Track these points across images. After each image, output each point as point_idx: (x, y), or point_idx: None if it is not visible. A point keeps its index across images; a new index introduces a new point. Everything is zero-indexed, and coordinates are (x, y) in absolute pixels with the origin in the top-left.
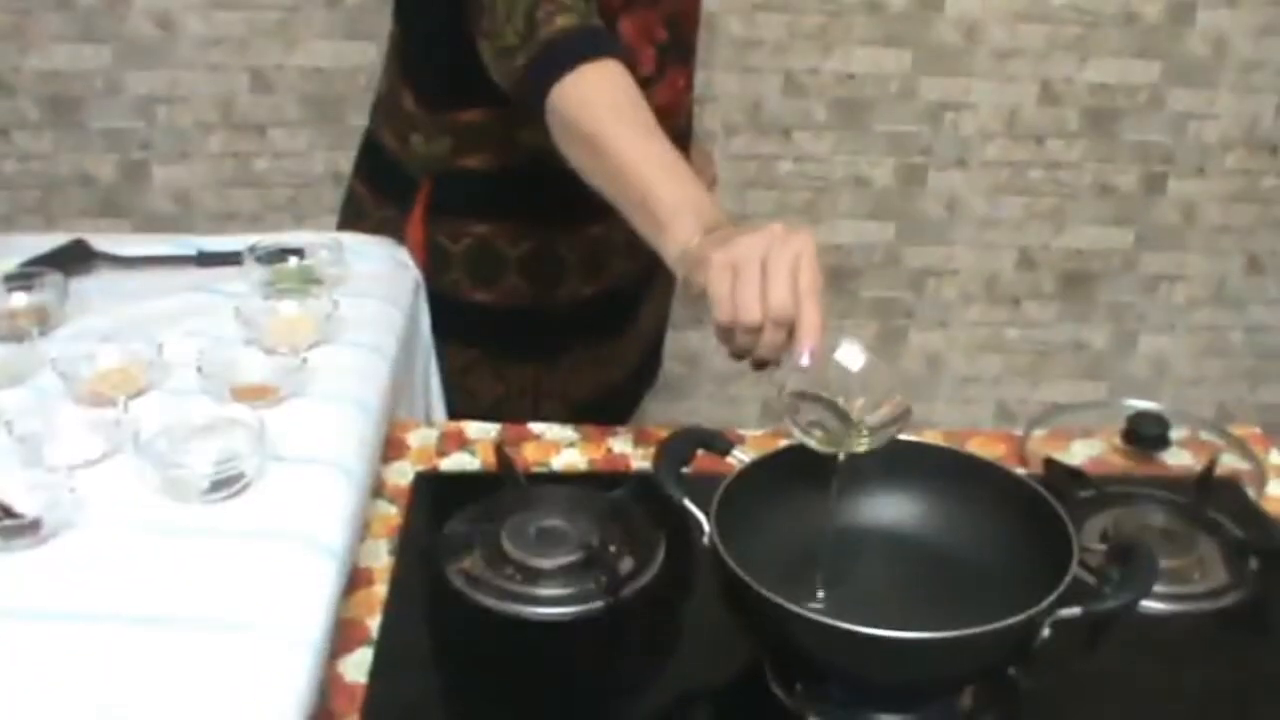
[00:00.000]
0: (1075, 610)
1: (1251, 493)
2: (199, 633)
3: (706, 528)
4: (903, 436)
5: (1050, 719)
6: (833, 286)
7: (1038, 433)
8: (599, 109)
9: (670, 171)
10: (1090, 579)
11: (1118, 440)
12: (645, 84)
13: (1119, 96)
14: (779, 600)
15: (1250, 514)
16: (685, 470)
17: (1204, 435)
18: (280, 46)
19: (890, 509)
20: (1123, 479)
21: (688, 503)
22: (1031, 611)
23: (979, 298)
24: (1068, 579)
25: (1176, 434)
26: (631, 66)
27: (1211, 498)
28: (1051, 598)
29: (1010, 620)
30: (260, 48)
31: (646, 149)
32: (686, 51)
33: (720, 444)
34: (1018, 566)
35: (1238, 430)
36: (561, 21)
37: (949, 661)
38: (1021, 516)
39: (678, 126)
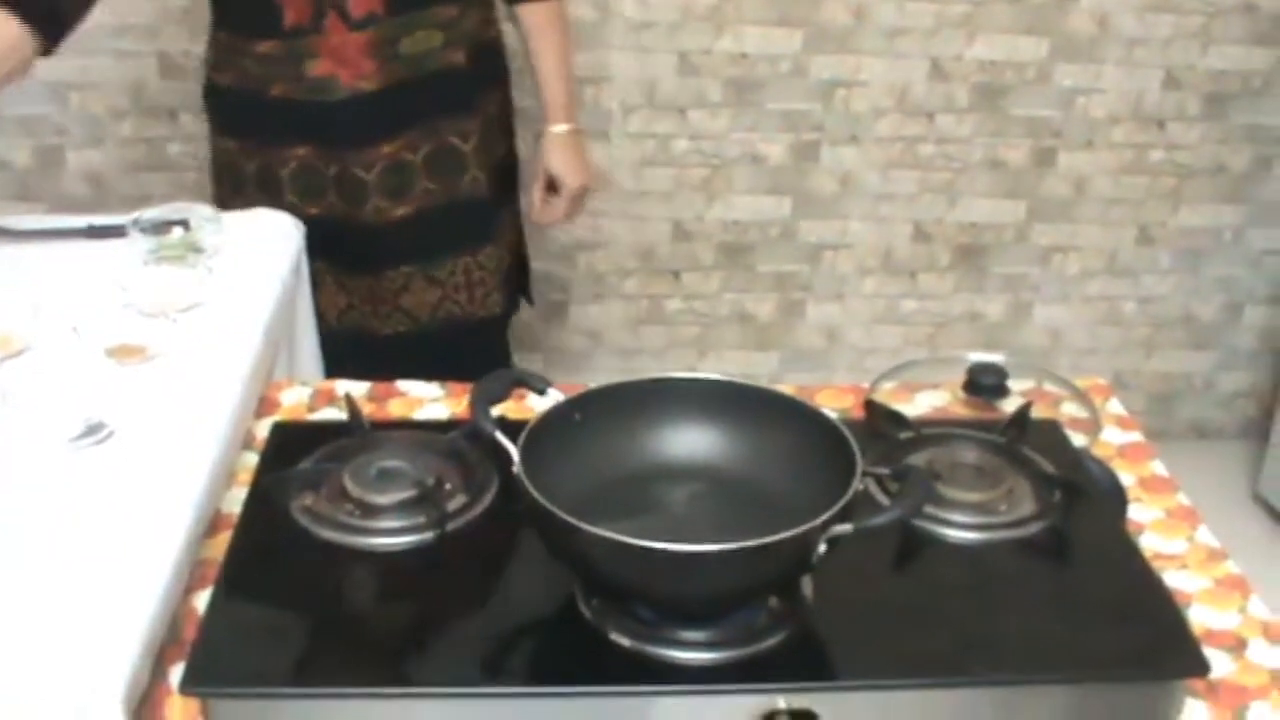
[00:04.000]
0: (847, 526)
1: (1086, 438)
2: (59, 568)
3: (515, 456)
4: (710, 376)
5: (842, 635)
6: (731, 261)
7: (886, 385)
8: None
9: None
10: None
11: (960, 392)
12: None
13: (1007, 72)
14: (572, 520)
15: (1063, 452)
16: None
17: (1047, 385)
18: (187, 33)
19: (697, 443)
20: (943, 421)
21: (499, 435)
22: (805, 527)
23: (875, 271)
24: (843, 500)
25: (1022, 385)
26: None
27: (1026, 438)
28: (825, 516)
29: (783, 535)
30: (171, 34)
31: None
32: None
33: (537, 383)
34: (810, 493)
35: (1082, 382)
36: None
37: (732, 574)
38: (817, 448)
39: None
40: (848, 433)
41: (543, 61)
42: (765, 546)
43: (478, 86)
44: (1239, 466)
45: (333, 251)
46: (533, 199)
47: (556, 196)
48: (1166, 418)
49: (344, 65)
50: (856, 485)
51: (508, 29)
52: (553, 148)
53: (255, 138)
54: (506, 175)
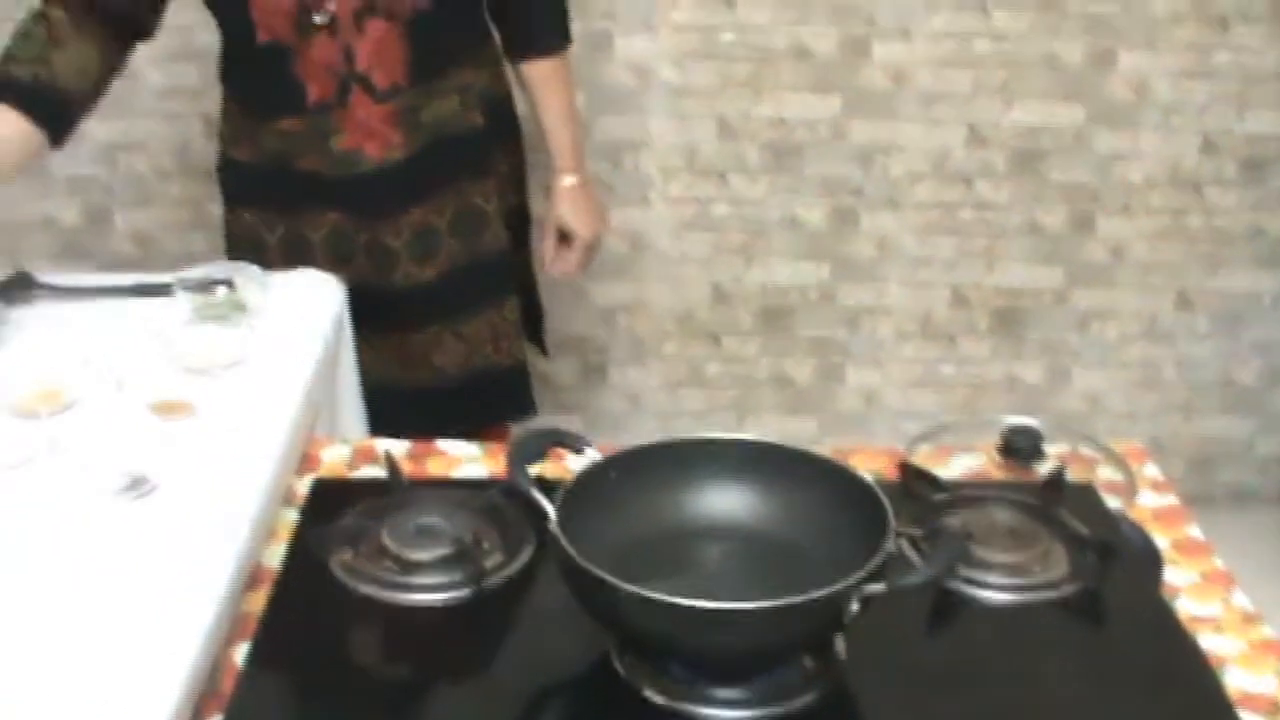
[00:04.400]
0: (880, 586)
1: (1122, 502)
2: (103, 617)
3: (552, 515)
4: (746, 437)
5: (875, 696)
6: (769, 325)
7: (921, 448)
8: None
9: None
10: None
11: (995, 455)
12: (326, 109)
13: (1045, 138)
14: (607, 577)
15: (1098, 515)
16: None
17: (1083, 449)
18: None
19: (731, 502)
20: (979, 484)
21: (534, 492)
22: (838, 586)
23: (913, 335)
24: (876, 560)
25: (1058, 449)
26: None
27: (1061, 500)
28: (858, 575)
29: (816, 594)
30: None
31: None
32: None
33: (573, 442)
34: (843, 552)
35: (1118, 445)
36: None
37: (765, 632)
38: (849, 506)
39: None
40: (881, 493)
41: (548, 115)
42: (798, 605)
43: (494, 144)
44: (1278, 531)
45: (362, 314)
46: (545, 251)
47: (568, 249)
48: (1205, 482)
49: (370, 138)
50: (889, 546)
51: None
52: (562, 200)
53: (278, 207)
54: (521, 226)
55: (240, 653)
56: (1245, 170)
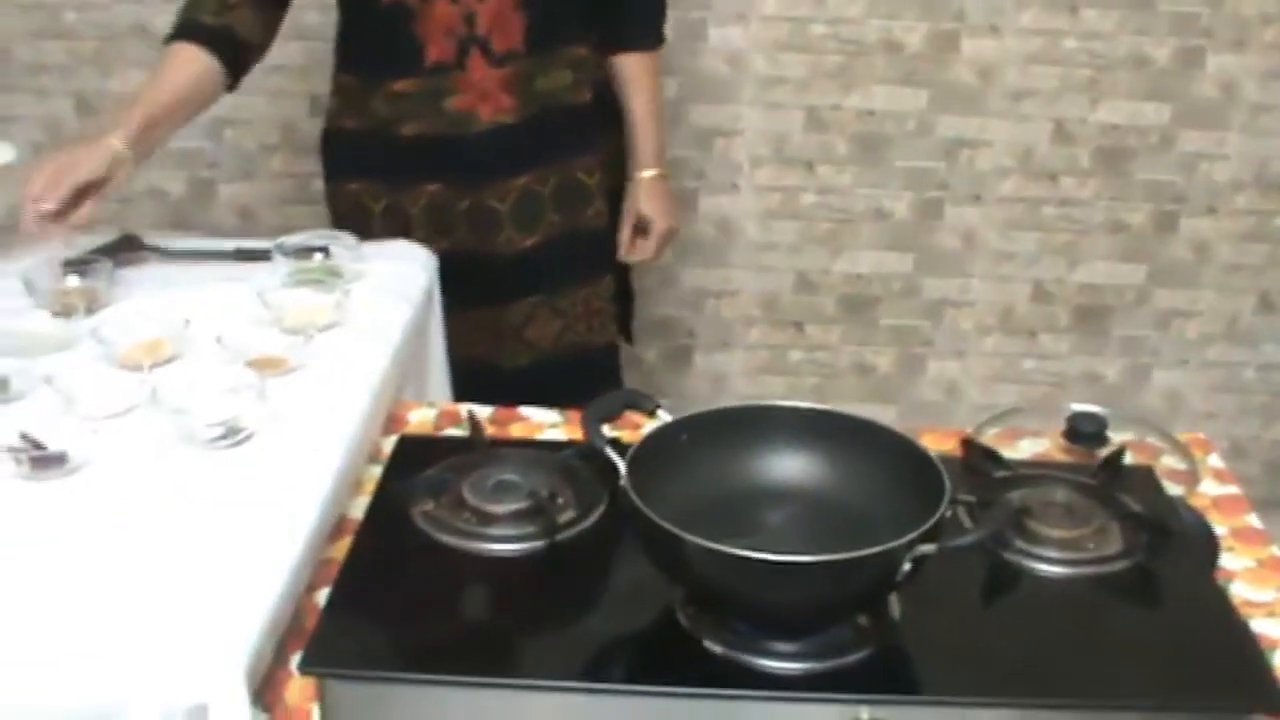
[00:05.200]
0: (931, 546)
1: (1184, 489)
2: (196, 554)
3: (622, 470)
4: (812, 405)
5: (926, 654)
6: (852, 314)
7: (990, 431)
8: None
9: None
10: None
11: (1061, 440)
12: (444, 70)
13: (1130, 137)
14: (674, 529)
15: (1155, 497)
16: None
17: (1149, 438)
18: None
19: (795, 467)
20: (1040, 464)
21: (609, 450)
22: (891, 545)
23: (995, 329)
24: (930, 522)
25: (1124, 436)
26: None
27: (1119, 481)
28: (912, 535)
29: (870, 550)
30: (322, 75)
31: None
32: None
33: (646, 404)
34: (901, 517)
35: (1183, 436)
36: None
37: (821, 585)
38: (909, 475)
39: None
40: (939, 462)
41: (636, 110)
42: (853, 560)
43: (601, 123)
44: None
45: (459, 287)
46: (623, 238)
47: (645, 238)
48: None
49: (484, 100)
50: (944, 510)
51: None
52: (643, 191)
53: (382, 177)
54: (617, 210)
55: (324, 597)
56: None
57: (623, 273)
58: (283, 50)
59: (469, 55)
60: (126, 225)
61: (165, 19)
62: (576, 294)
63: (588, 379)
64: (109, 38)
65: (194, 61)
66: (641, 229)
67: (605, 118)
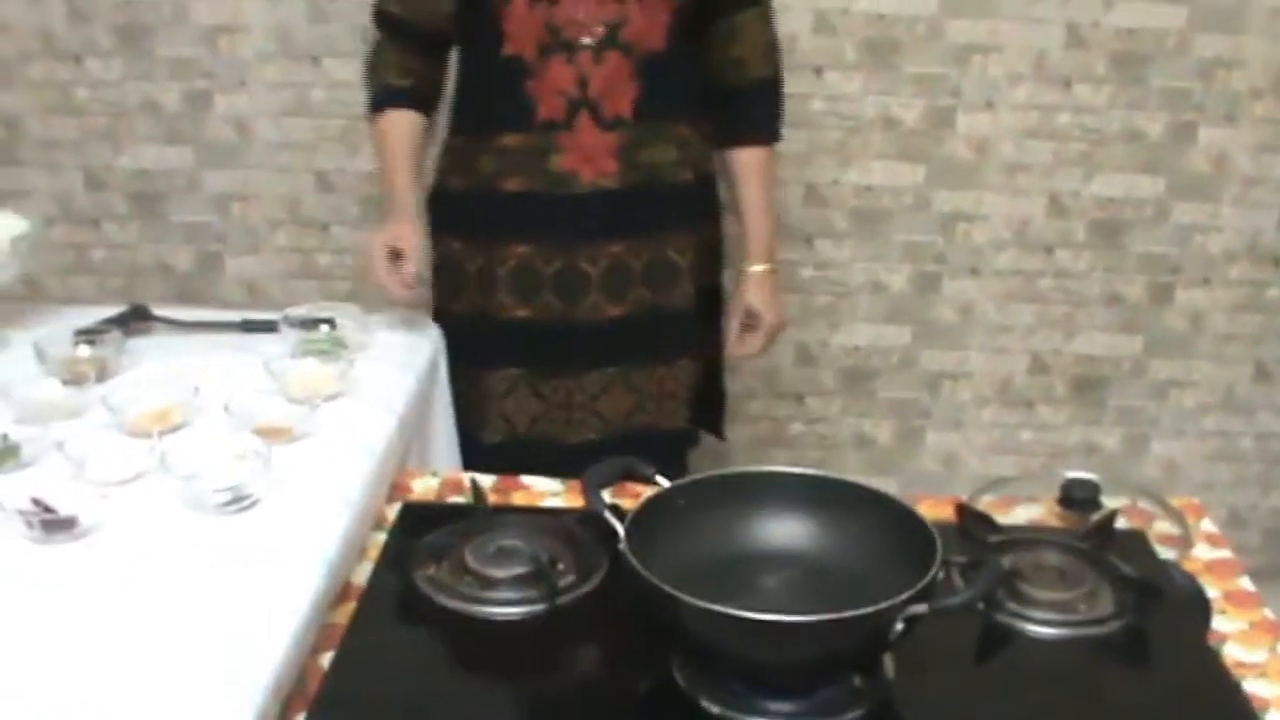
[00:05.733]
0: (923, 606)
1: (1177, 553)
2: (203, 615)
3: (621, 534)
4: (805, 470)
5: (919, 715)
6: (852, 387)
7: (986, 498)
8: None
9: None
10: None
11: (1055, 506)
12: (553, 128)
13: (1125, 209)
14: (670, 590)
15: (1147, 560)
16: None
17: (1141, 503)
18: (345, 151)
19: (791, 531)
20: (1032, 528)
21: (608, 514)
22: (883, 605)
23: (993, 400)
24: (923, 583)
25: (1117, 502)
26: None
27: (1111, 544)
28: (904, 596)
29: (862, 610)
30: (328, 152)
31: None
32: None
33: (645, 472)
34: (895, 579)
35: (1176, 501)
36: None
37: (815, 645)
38: (903, 539)
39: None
40: (930, 525)
41: (750, 203)
42: (846, 620)
43: (700, 209)
44: None
45: (536, 354)
46: (730, 333)
47: (753, 332)
48: None
49: (588, 162)
50: (936, 571)
51: None
52: (753, 285)
53: (480, 236)
54: (713, 299)
55: (328, 659)
56: None
57: (714, 368)
58: (290, 127)
59: (578, 116)
60: (135, 298)
61: (173, 96)
62: (654, 372)
63: (654, 462)
64: (119, 114)
65: (404, 121)
66: (749, 324)
67: (706, 204)
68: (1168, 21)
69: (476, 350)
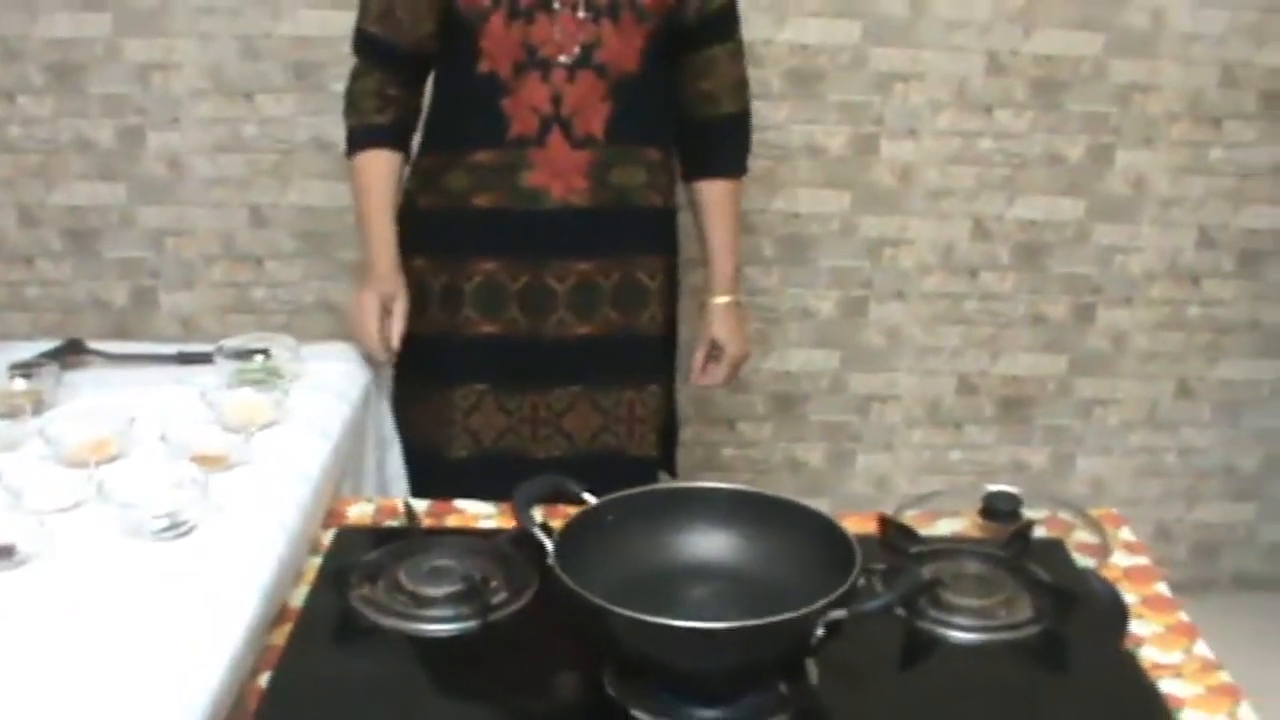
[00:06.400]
0: (843, 611)
1: (1096, 561)
2: (142, 641)
3: (550, 549)
4: (730, 485)
5: (842, 716)
6: (783, 411)
7: (911, 512)
8: None
9: None
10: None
11: (978, 519)
12: (525, 144)
13: (1047, 232)
14: (599, 601)
15: (1064, 567)
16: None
17: (1063, 515)
18: (278, 185)
19: (716, 545)
20: (953, 539)
21: (537, 531)
22: (804, 610)
23: (922, 422)
24: (841, 589)
25: (1039, 514)
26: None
27: (1029, 553)
28: (822, 602)
29: (783, 616)
30: (262, 186)
31: None
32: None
33: (573, 492)
34: (816, 589)
35: (1096, 512)
36: None
37: (739, 651)
38: (825, 550)
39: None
40: (850, 536)
41: (716, 237)
42: (768, 626)
43: (668, 235)
44: None
45: (502, 370)
46: (695, 363)
47: (717, 363)
48: (1209, 568)
49: (559, 178)
50: (855, 578)
51: None
52: (718, 317)
53: (446, 254)
54: (671, 334)
55: (265, 680)
56: (1241, 263)
57: (670, 400)
58: (224, 162)
59: (550, 133)
60: (70, 335)
61: (106, 133)
62: (621, 395)
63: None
64: (52, 151)
65: (382, 161)
66: (714, 355)
67: (670, 236)
68: (1084, 48)
69: (442, 366)
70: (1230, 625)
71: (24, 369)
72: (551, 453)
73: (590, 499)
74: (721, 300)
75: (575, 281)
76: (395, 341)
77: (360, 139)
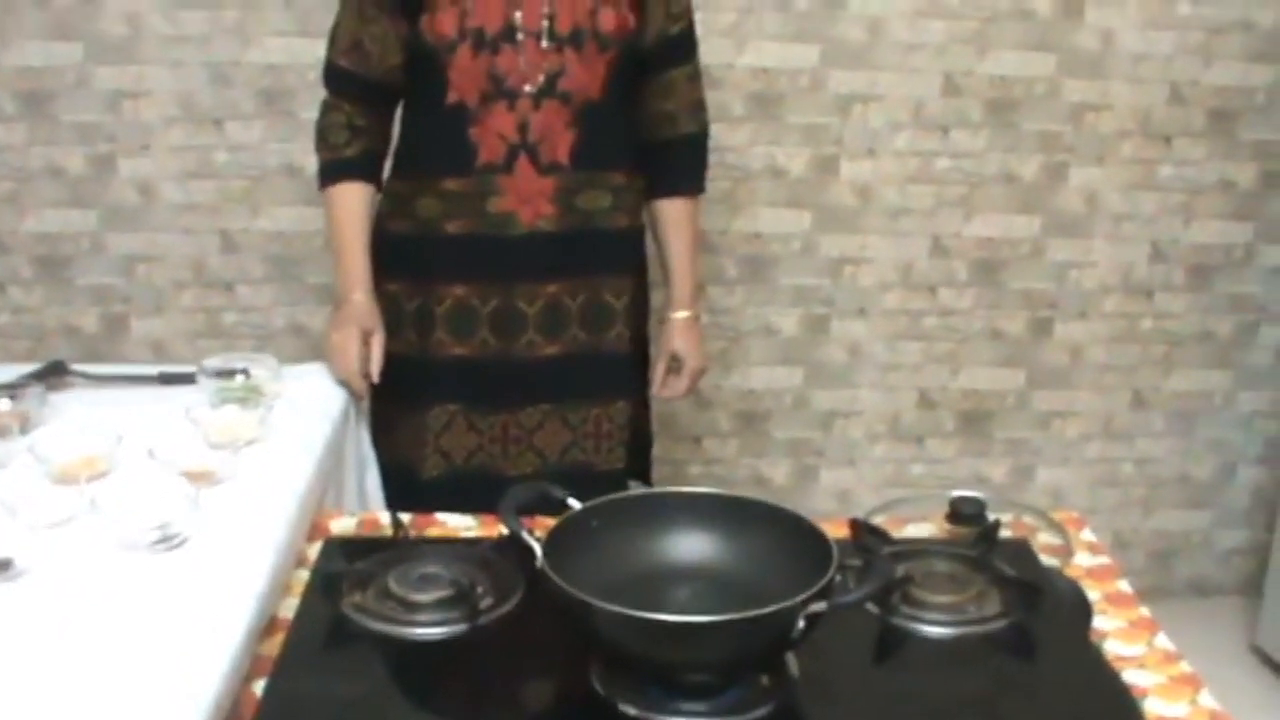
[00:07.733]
0: (822, 604)
1: (1060, 561)
2: (137, 652)
3: (539, 552)
4: (709, 490)
5: (823, 711)
6: (747, 428)
7: (879, 519)
8: None
9: None
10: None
11: (944, 523)
12: (492, 171)
13: (1003, 248)
14: (587, 598)
15: (1030, 564)
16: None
17: (1025, 518)
18: (248, 211)
19: (699, 547)
20: (922, 540)
21: (523, 533)
22: (785, 604)
23: (884, 437)
24: (820, 584)
25: (1003, 517)
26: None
27: (996, 551)
28: (804, 595)
29: (766, 609)
30: (231, 212)
31: None
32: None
33: (557, 499)
34: (795, 587)
35: (1058, 514)
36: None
37: (722, 644)
38: (803, 550)
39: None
40: (827, 535)
41: (675, 253)
42: (750, 619)
43: (634, 255)
44: (1237, 621)
45: (473, 390)
46: (655, 376)
47: (676, 376)
48: (1166, 575)
49: (526, 204)
50: (833, 572)
51: None
52: (678, 331)
53: (418, 278)
54: (642, 346)
55: (260, 687)
56: (1192, 276)
57: (643, 415)
58: (194, 189)
59: (517, 160)
60: (40, 362)
61: (77, 160)
62: (589, 412)
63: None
64: (23, 179)
65: (354, 193)
66: (674, 368)
67: (638, 256)
68: (1038, 69)
69: (415, 387)
70: (1187, 630)
71: (8, 390)
72: (523, 469)
73: (575, 504)
74: (681, 315)
75: (544, 304)
76: (375, 374)
77: (331, 172)
